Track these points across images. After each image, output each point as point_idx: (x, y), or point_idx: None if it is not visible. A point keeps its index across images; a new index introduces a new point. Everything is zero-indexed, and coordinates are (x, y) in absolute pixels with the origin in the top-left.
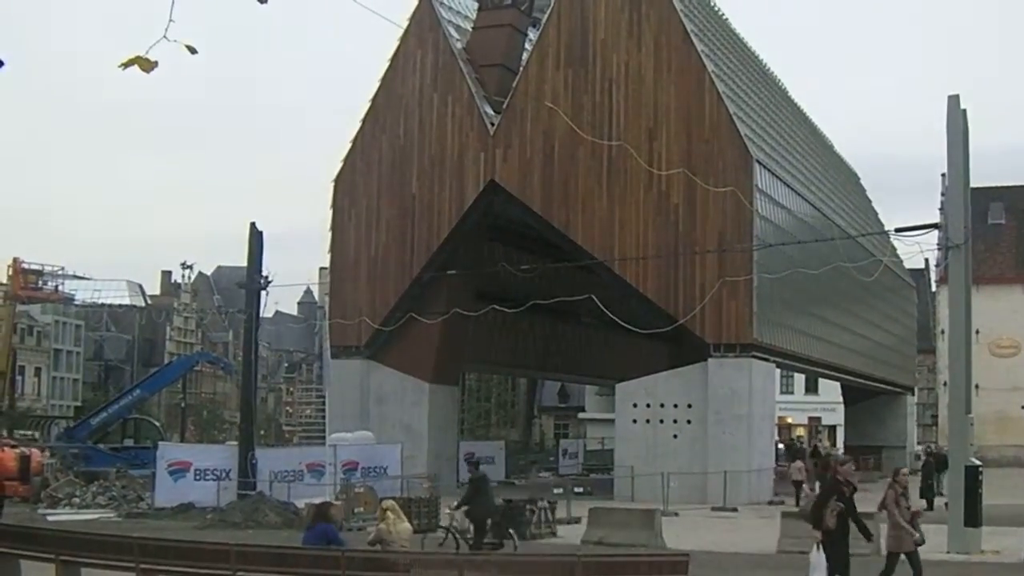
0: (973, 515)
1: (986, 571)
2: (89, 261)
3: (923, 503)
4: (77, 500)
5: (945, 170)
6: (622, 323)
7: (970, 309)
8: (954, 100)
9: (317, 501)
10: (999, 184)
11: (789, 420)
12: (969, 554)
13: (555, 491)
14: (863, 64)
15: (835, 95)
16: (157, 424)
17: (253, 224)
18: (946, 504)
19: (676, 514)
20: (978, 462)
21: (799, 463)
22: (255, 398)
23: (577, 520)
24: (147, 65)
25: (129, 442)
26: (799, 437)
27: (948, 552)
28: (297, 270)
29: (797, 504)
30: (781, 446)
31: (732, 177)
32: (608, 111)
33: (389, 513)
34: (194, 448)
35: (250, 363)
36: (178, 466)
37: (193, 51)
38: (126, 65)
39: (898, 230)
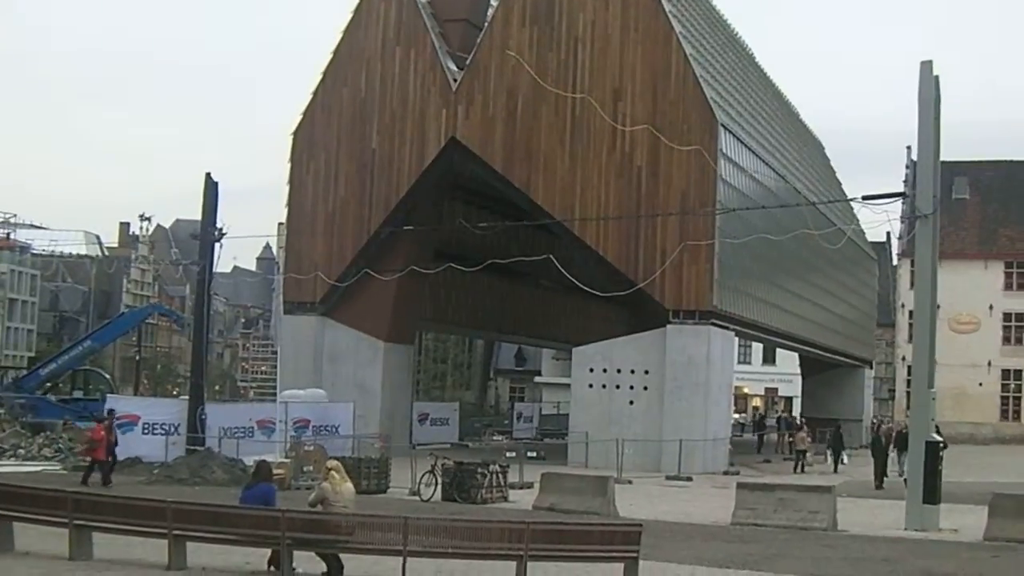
0: (932, 492)
1: (944, 549)
2: (46, 211)
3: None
4: (22, 451)
5: (910, 143)
6: (581, 285)
7: (936, 278)
8: (927, 66)
9: (264, 458)
10: (964, 159)
11: (746, 390)
12: (927, 531)
13: (508, 455)
14: (832, 32)
15: (802, 61)
16: (107, 376)
17: (208, 175)
18: (905, 480)
19: (630, 482)
20: (940, 438)
21: (803, 433)
22: (207, 352)
23: (529, 485)
24: None
25: (79, 394)
26: (759, 409)
27: (905, 529)
28: (259, 226)
29: (799, 470)
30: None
31: (696, 140)
32: (573, 70)
33: (334, 473)
34: (143, 402)
35: (202, 315)
36: (126, 419)
37: None
38: None
39: (865, 198)
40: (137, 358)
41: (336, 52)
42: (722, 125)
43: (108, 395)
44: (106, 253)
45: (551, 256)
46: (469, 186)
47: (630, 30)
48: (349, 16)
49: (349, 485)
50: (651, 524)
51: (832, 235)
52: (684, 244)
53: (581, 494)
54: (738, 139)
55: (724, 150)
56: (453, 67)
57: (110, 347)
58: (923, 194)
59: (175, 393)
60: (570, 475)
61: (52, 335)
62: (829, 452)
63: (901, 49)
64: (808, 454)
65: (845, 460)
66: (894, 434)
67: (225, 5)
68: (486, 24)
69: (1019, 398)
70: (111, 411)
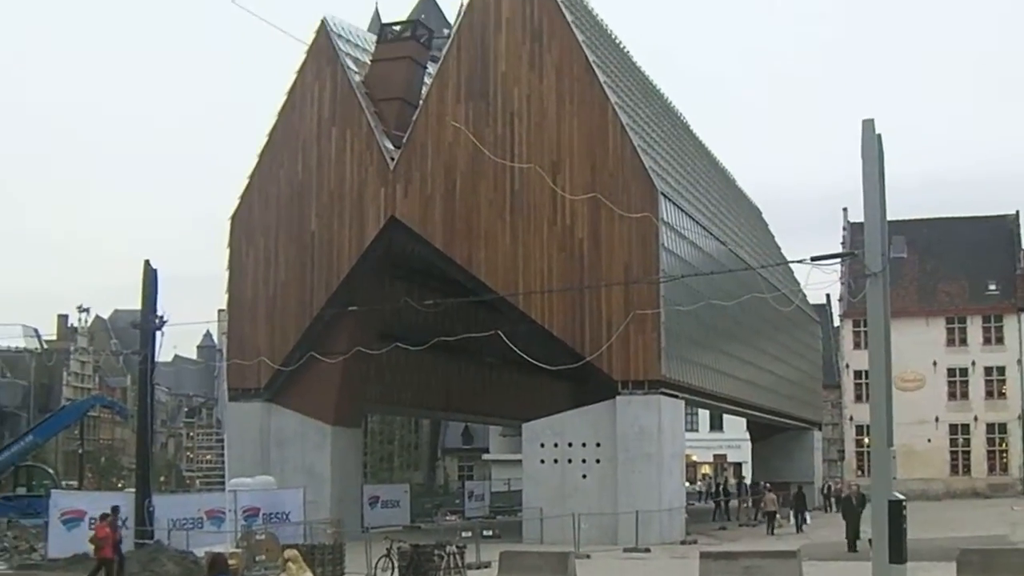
0: (898, 551)
1: None
2: None
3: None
4: None
5: (846, 205)
6: (529, 359)
7: (889, 335)
8: (869, 124)
9: (216, 550)
10: (900, 218)
11: (694, 458)
12: None
13: (464, 535)
14: (761, 99)
15: (736, 128)
16: (51, 471)
17: (147, 262)
18: (869, 540)
19: (588, 556)
20: (902, 496)
21: (771, 495)
22: (151, 442)
23: (487, 565)
24: None
25: (22, 490)
26: (703, 474)
27: None
28: (198, 314)
29: (771, 532)
30: (733, 482)
31: (637, 209)
32: (511, 144)
33: (291, 564)
34: (88, 496)
35: (145, 406)
36: (72, 515)
37: None
38: None
39: (814, 258)
40: (80, 451)
41: (271, 134)
42: (662, 194)
43: (52, 491)
44: (45, 346)
45: (499, 332)
46: (411, 265)
47: (566, 102)
48: (284, 98)
49: (309, 574)
50: None
51: (780, 299)
52: (633, 313)
53: (541, 571)
54: (678, 207)
55: (665, 218)
56: (390, 146)
57: (52, 441)
58: (871, 252)
59: (120, 486)
60: (529, 552)
61: None
62: (792, 513)
63: (838, 108)
64: (777, 515)
65: (808, 521)
66: (851, 494)
67: (157, 92)
68: (421, 101)
69: (968, 452)
70: (115, 507)
